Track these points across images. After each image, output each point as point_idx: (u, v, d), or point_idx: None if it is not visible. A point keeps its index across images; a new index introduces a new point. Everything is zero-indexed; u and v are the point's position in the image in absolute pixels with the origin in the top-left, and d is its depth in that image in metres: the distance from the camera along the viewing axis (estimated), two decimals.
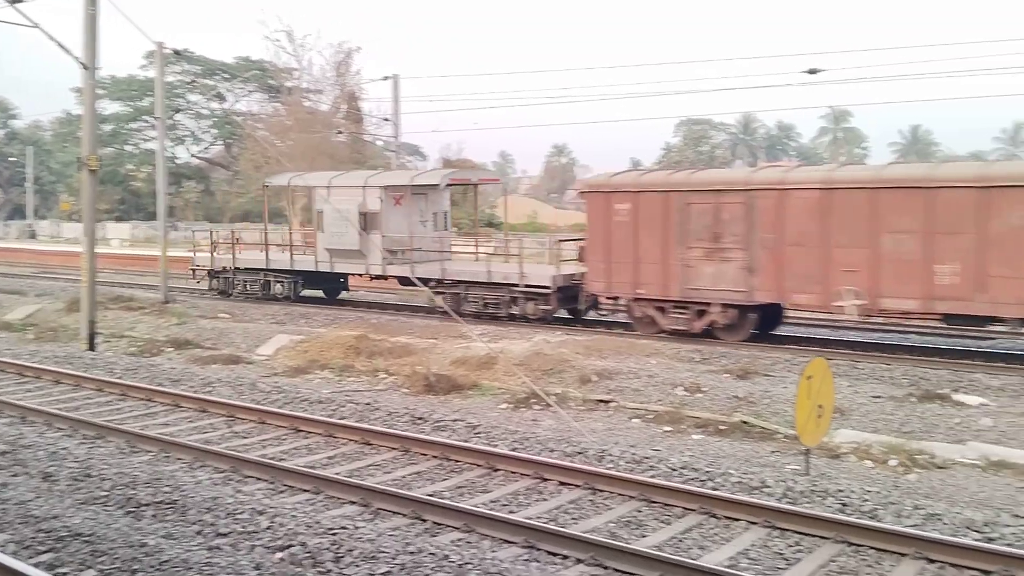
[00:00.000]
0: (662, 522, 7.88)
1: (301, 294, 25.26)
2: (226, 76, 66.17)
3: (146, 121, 64.76)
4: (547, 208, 74.20)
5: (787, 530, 7.51)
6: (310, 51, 48.65)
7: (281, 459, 9.80)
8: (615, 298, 19.83)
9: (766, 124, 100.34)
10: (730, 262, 17.54)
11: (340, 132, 48.28)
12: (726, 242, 17.57)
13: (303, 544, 6.82)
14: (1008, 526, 7.53)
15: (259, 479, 9.09)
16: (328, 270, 24.23)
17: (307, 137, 44.41)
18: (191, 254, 29.28)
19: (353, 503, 8.34)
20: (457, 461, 9.59)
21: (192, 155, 71.43)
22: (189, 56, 59.36)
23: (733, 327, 17.85)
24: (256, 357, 17.18)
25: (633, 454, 9.65)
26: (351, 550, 6.70)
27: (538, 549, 7.17)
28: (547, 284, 20.32)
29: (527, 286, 20.50)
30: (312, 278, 25.02)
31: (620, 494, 8.46)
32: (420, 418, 11.49)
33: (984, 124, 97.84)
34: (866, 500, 8.11)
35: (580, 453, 9.73)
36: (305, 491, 8.71)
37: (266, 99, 62.14)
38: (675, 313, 18.37)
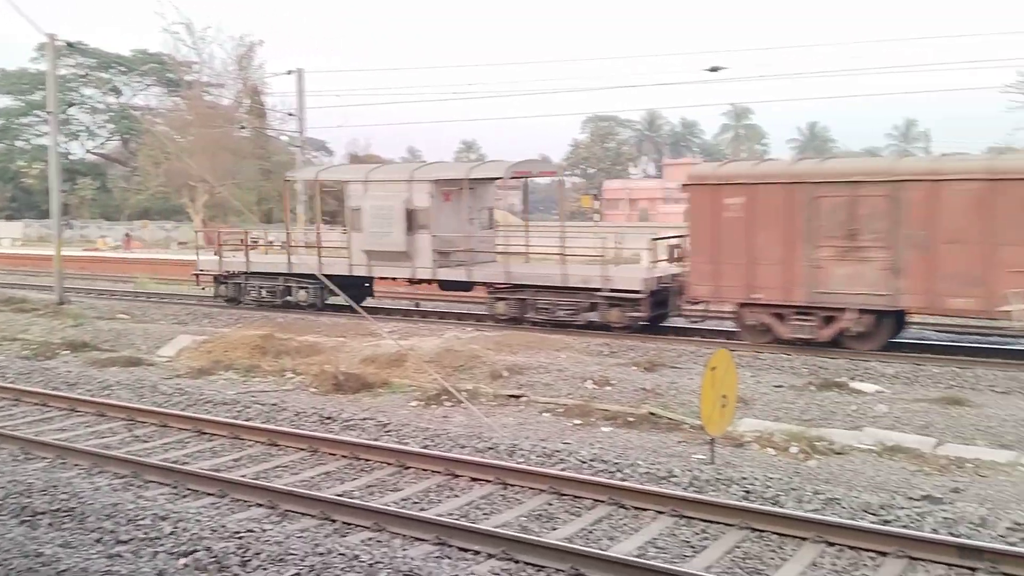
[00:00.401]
0: (572, 514, 7.95)
1: (328, 301, 22.51)
2: (122, 69, 64.14)
3: (38, 116, 62.22)
4: None
5: (694, 518, 7.67)
6: (211, 44, 47.45)
7: (184, 463, 9.53)
8: (699, 303, 17.96)
9: (671, 121, 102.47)
10: (869, 262, 15.73)
11: (243, 127, 47.21)
12: (864, 240, 15.73)
13: (208, 549, 6.64)
14: (903, 508, 7.84)
15: (161, 484, 8.83)
16: (364, 274, 21.67)
17: (208, 132, 43.29)
18: (194, 257, 25.36)
19: (260, 505, 8.16)
20: (367, 460, 9.49)
21: (88, 151, 68.94)
22: (83, 48, 57.30)
23: (867, 335, 16.13)
24: (157, 359, 16.65)
25: (544, 448, 9.71)
26: (258, 553, 6.56)
27: (449, 546, 7.14)
28: (638, 288, 18.17)
29: (612, 291, 18.37)
30: (340, 283, 23.01)
31: (531, 488, 8.50)
32: (329, 418, 11.33)
33: (877, 121, 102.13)
34: (769, 487, 8.35)
35: (491, 448, 9.75)
36: (210, 495, 8.49)
37: (165, 93, 60.44)
38: (797, 320, 16.48)
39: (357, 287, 22.40)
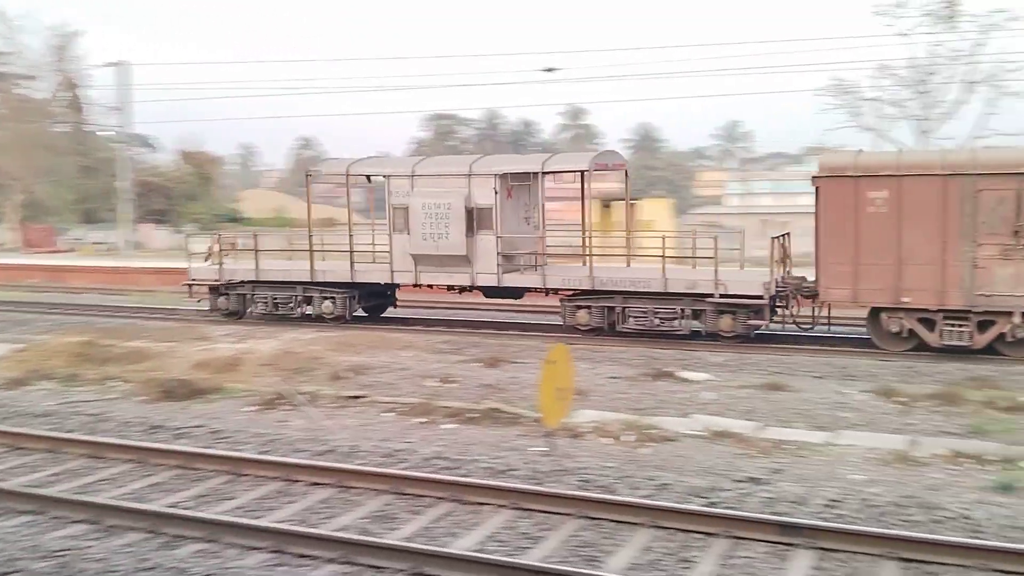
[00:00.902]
0: (414, 513, 7.92)
1: (356, 312, 20.30)
2: None
3: None
4: (296, 202, 72.33)
5: (533, 510, 7.80)
6: (25, 33, 44.35)
7: None
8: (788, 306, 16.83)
9: (510, 120, 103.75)
10: None
11: (60, 122, 44.41)
12: None
13: (24, 570, 6.21)
14: (728, 490, 8.25)
15: None
16: (409, 282, 19.36)
17: (22, 127, 40.45)
18: (185, 265, 22.08)
19: (82, 522, 7.69)
20: (199, 469, 9.12)
21: None
22: None
23: None
24: None
25: (385, 448, 9.63)
26: (80, 571, 6.19)
27: (286, 552, 6.96)
28: (758, 293, 16.57)
29: (724, 296, 16.74)
30: (369, 292, 20.35)
31: (372, 489, 8.40)
32: (157, 426, 10.83)
33: (703, 122, 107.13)
34: (605, 475, 8.59)
35: (331, 451, 9.58)
36: (26, 512, 7.93)
37: None
38: (948, 325, 15.22)
39: (381, 296, 21.00)
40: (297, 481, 8.68)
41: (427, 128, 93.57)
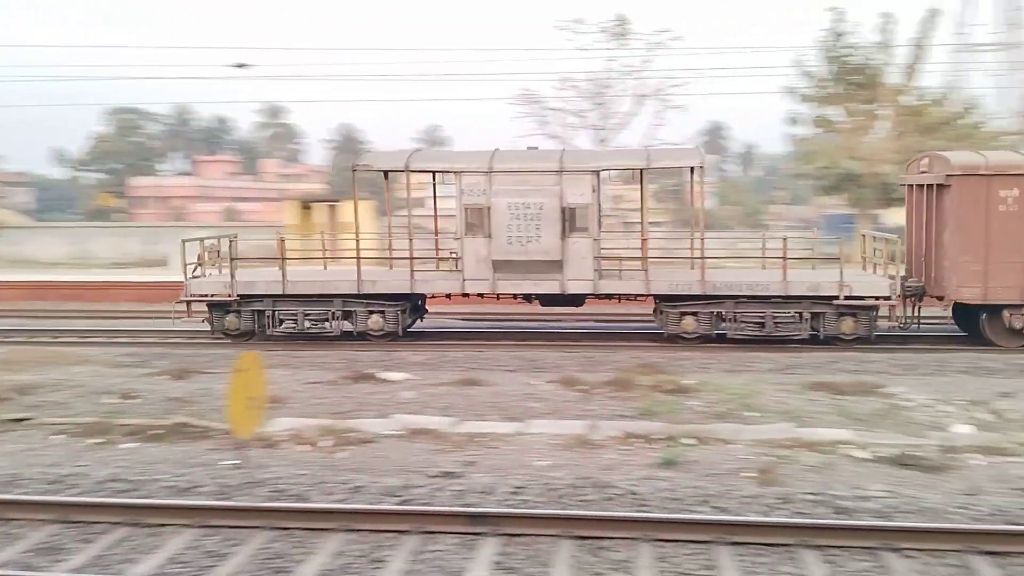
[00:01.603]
0: (85, 542, 7.27)
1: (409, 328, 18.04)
2: None
3: None
4: None
5: (220, 526, 7.45)
6: None
7: None
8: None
9: (203, 116, 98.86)
10: None
11: None
12: None
13: None
14: (422, 487, 8.39)
15: None
16: (486, 291, 17.50)
17: None
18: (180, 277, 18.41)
19: None
20: None
21: None
22: None
23: None
24: None
25: (53, 474, 8.77)
26: None
27: None
28: (886, 294, 16.47)
29: (848, 298, 16.46)
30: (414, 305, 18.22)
31: (36, 520, 7.60)
32: None
33: (403, 124, 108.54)
34: (298, 483, 8.42)
35: None
36: None
37: None
38: None
39: (415, 308, 18.71)
40: None
41: (108, 123, 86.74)
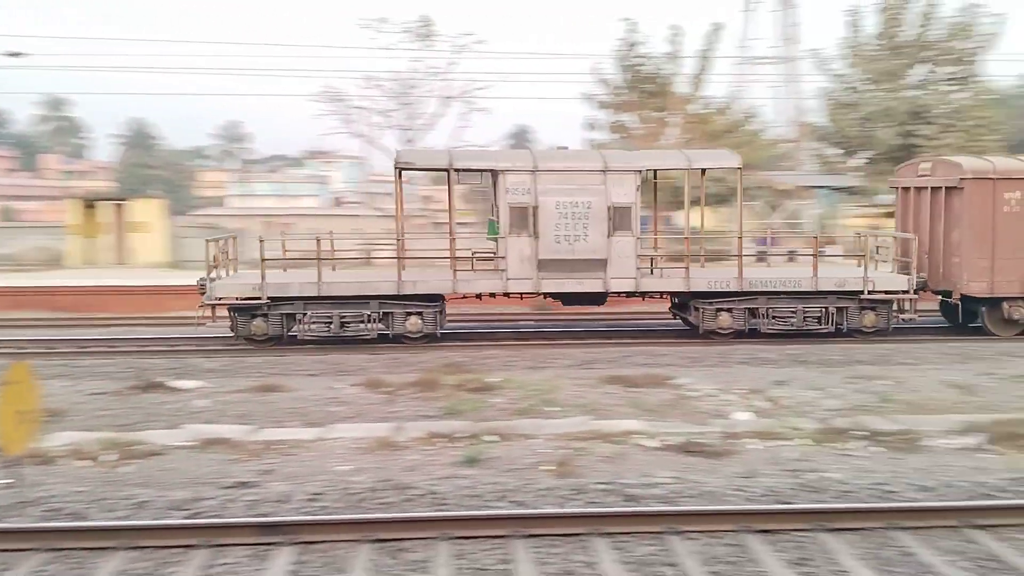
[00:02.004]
0: None
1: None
2: None
3: None
4: None
5: None
6: None
7: None
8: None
9: None
10: None
11: None
12: None
13: None
14: (212, 499, 8.04)
15: None
16: (529, 290, 17.44)
17: None
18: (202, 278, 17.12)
19: None
20: None
21: None
22: None
23: None
24: None
25: None
26: None
27: None
28: (904, 288, 17.68)
29: (872, 292, 17.56)
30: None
31: None
32: None
33: (203, 121, 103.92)
34: (76, 501, 7.86)
35: None
36: None
37: None
38: None
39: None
40: None
41: None
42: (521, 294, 17.85)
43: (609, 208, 17.08)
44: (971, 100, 30.14)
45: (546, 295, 18.06)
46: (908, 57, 30.81)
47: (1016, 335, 17.90)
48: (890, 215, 25.82)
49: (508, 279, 17.29)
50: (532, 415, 11.43)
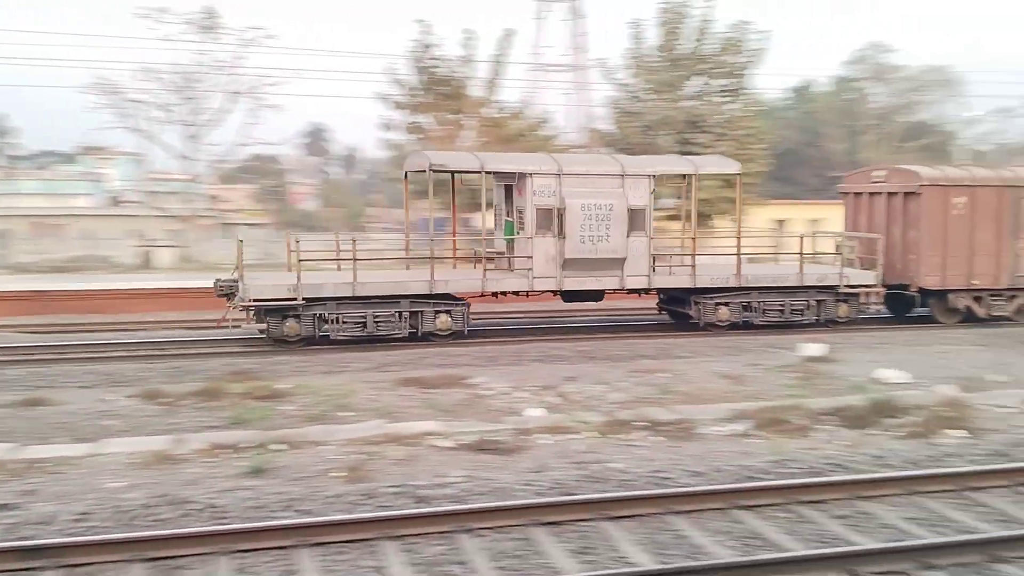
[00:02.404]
0: None
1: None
2: None
3: None
4: None
5: None
6: None
7: None
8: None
9: None
10: None
11: None
12: None
13: None
14: None
15: None
16: (552, 288, 18.30)
17: None
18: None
19: None
20: None
21: None
22: None
23: None
24: None
25: None
26: None
27: None
28: (871, 283, 19.67)
29: (847, 287, 19.42)
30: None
31: None
32: None
33: None
34: None
35: None
36: None
37: None
38: (993, 300, 20.14)
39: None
40: None
41: None
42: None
43: (628, 210, 18.07)
44: (741, 111, 32.43)
45: (563, 293, 18.76)
46: (685, 69, 32.72)
47: (958, 322, 20.13)
48: (673, 218, 27.38)
49: (534, 278, 18.01)
50: (324, 421, 11.18)
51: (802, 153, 54.78)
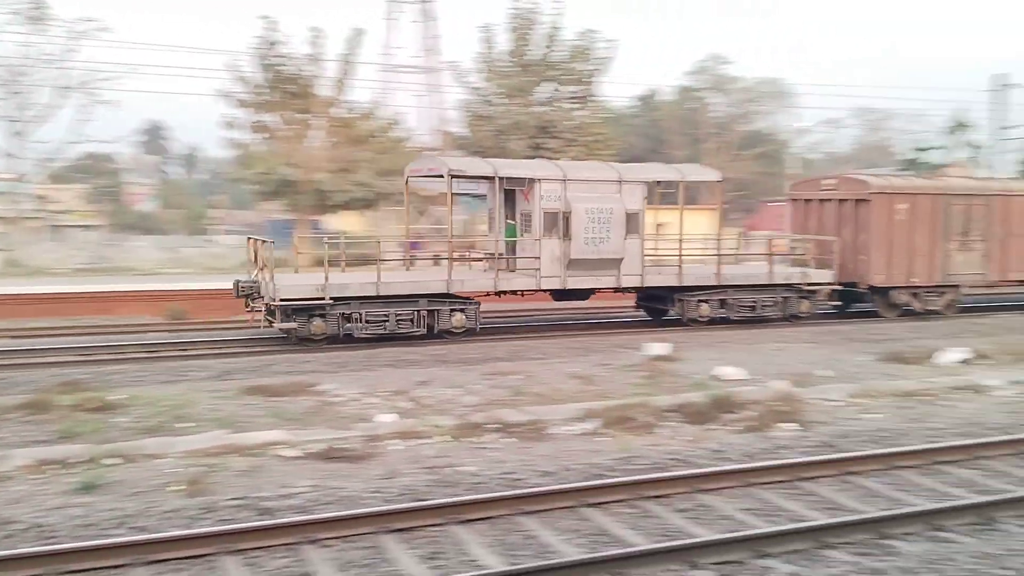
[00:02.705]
0: None
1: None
2: None
3: None
4: None
5: None
6: None
7: None
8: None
9: None
10: (974, 251, 22.36)
11: None
12: (973, 235, 22.36)
13: None
14: None
15: None
16: (556, 287, 19.29)
17: None
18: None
19: None
20: None
21: None
22: None
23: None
24: None
25: None
26: None
27: None
28: (828, 281, 21.24)
29: (809, 285, 21.09)
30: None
31: None
32: None
33: None
34: None
35: None
36: None
37: None
38: (927, 296, 22.15)
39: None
40: None
41: None
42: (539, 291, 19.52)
43: (626, 214, 19.30)
44: (590, 117, 33.25)
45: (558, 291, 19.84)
46: (536, 75, 33.27)
47: (898, 316, 21.97)
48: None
49: (542, 277, 19.03)
50: (162, 433, 10.64)
51: (647, 159, 56.54)
